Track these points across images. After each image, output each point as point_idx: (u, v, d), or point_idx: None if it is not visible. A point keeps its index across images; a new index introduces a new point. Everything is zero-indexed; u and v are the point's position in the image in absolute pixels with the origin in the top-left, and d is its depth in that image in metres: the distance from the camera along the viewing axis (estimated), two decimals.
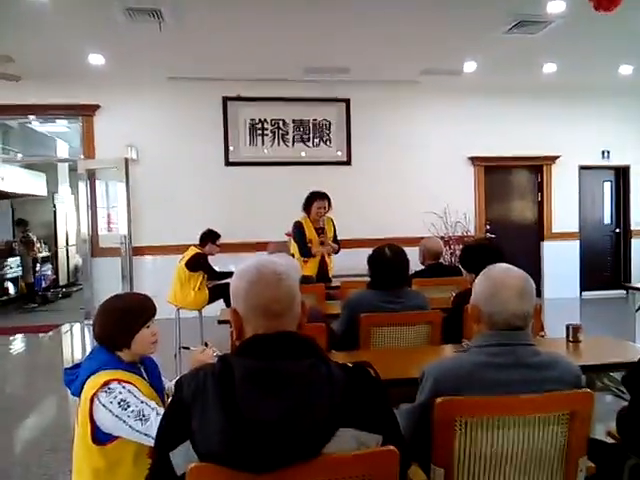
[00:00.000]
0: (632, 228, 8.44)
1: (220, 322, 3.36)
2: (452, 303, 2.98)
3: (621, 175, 8.50)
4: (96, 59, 6.14)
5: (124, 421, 1.64)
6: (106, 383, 1.68)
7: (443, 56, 6.39)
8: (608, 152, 8.28)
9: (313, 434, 1.09)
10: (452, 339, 2.69)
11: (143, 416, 1.65)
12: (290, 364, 1.15)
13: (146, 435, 1.64)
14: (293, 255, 4.73)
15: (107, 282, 6.72)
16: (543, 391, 1.48)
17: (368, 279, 2.94)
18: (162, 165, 7.18)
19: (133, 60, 6.31)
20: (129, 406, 1.65)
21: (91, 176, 7.28)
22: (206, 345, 1.99)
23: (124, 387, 1.69)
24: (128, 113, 7.11)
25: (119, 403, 1.65)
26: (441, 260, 4.37)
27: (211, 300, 5.32)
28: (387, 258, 2.81)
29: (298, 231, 4.98)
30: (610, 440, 1.87)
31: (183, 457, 1.11)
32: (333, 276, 5.09)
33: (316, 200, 4.93)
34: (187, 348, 2.00)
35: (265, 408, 1.09)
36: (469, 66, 6.69)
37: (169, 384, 2.04)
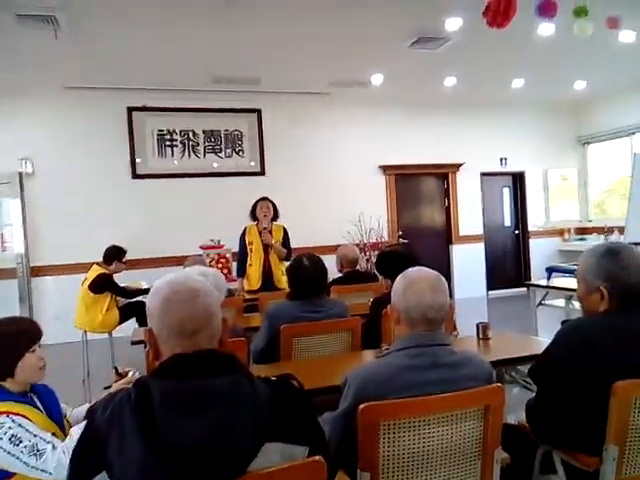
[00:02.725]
0: (529, 229, 9.10)
1: (134, 343, 3.20)
2: (370, 308, 3.04)
3: (518, 180, 9.16)
4: None
5: (17, 457, 1.54)
6: None
7: (351, 68, 6.56)
8: (506, 159, 8.90)
9: (238, 452, 1.07)
10: (371, 344, 2.74)
11: (37, 451, 1.56)
12: (211, 382, 1.11)
13: (42, 471, 1.55)
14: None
15: (2, 306, 6.16)
16: (461, 389, 1.54)
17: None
18: (62, 179, 6.74)
19: (25, 68, 5.88)
20: (21, 441, 1.56)
21: None
22: (116, 370, 1.88)
23: (14, 421, 1.58)
24: (20, 125, 6.60)
25: (10, 439, 1.55)
26: (357, 267, 4.46)
27: (122, 320, 5.03)
28: (305, 268, 2.81)
29: (240, 238, 5.06)
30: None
31: None
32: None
33: (258, 203, 5.03)
34: (117, 369, 1.88)
35: (185, 431, 1.05)
36: (376, 78, 6.92)
37: (70, 410, 1.94)
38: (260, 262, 4.91)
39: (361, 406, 1.46)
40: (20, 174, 6.55)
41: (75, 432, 1.60)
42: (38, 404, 1.76)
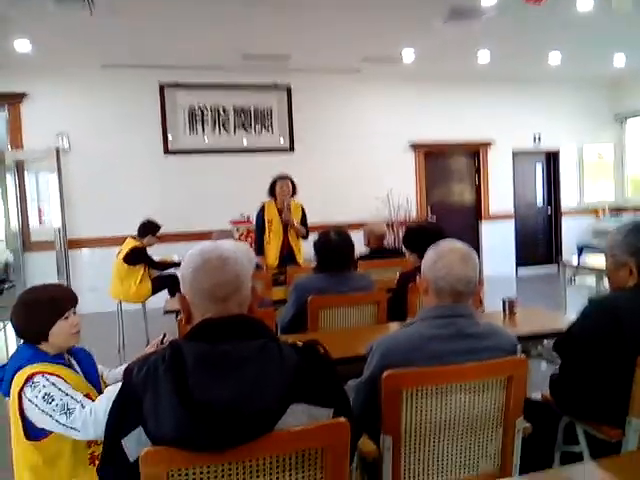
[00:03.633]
0: (562, 209, 8.91)
1: (166, 312, 3.32)
2: (397, 282, 3.07)
3: (551, 159, 8.94)
4: (22, 45, 5.77)
5: (50, 415, 1.64)
6: (30, 377, 1.67)
7: (382, 44, 6.45)
8: (539, 137, 8.69)
9: (265, 412, 1.11)
10: (397, 317, 2.77)
11: (68, 409, 1.64)
12: (241, 345, 1.16)
13: (72, 428, 1.64)
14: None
15: (41, 278, 6.35)
16: (483, 359, 1.56)
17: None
18: (97, 154, 6.90)
19: (62, 46, 5.99)
20: (53, 399, 1.64)
21: (20, 167, 6.91)
22: (164, 337, 1.96)
23: (47, 379, 1.67)
24: (59, 101, 6.77)
25: (43, 397, 1.64)
26: (385, 244, 4.47)
27: (155, 291, 5.19)
28: (333, 242, 2.85)
29: (257, 215, 5.05)
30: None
31: (135, 443, 1.10)
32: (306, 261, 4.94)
33: (278, 181, 4.99)
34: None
35: (217, 390, 1.10)
36: (408, 54, 6.79)
37: (107, 371, 2.02)
38: (279, 240, 4.90)
39: (385, 373, 1.50)
40: (57, 149, 6.71)
41: (109, 391, 1.69)
42: (75, 366, 1.84)
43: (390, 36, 6.16)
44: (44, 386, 1.65)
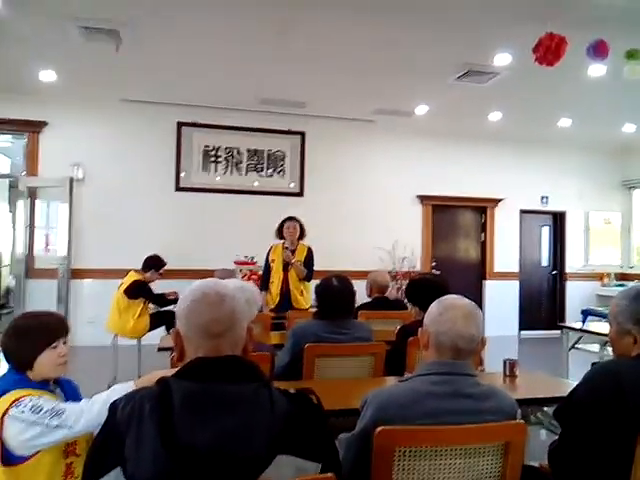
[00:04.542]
0: (567, 271, 8.87)
1: (160, 349, 3.26)
2: (396, 335, 3.01)
3: (558, 220, 8.97)
4: (47, 75, 5.98)
5: (40, 423, 1.59)
6: (15, 400, 1.63)
7: (396, 97, 6.63)
8: (547, 198, 8.75)
9: (250, 459, 1.07)
10: (395, 372, 2.71)
11: (57, 411, 1.61)
12: (232, 388, 1.13)
13: (64, 427, 1.60)
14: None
15: (41, 305, 6.36)
16: (482, 421, 1.51)
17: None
18: (109, 186, 7.00)
19: (86, 79, 6.19)
20: (42, 409, 1.61)
21: (32, 194, 7.00)
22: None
23: (32, 398, 1.64)
24: (77, 132, 6.93)
25: (31, 409, 1.60)
26: (387, 294, 4.44)
27: (152, 327, 5.14)
28: (334, 288, 2.83)
29: (266, 256, 5.15)
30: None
31: None
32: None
33: (286, 222, 5.10)
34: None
35: (202, 433, 1.07)
36: (420, 109, 6.96)
37: None
38: (279, 280, 4.95)
39: (377, 429, 1.45)
40: (71, 179, 6.82)
41: (115, 390, 1.65)
42: (60, 395, 1.81)
43: (404, 90, 6.33)
44: (30, 400, 1.62)
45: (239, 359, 1.22)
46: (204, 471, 1.04)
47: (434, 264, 8.19)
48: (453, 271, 8.14)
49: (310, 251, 5.08)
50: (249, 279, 6.40)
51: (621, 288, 8.35)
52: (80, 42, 4.91)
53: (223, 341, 1.22)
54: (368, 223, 7.76)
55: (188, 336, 1.24)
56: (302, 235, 5.09)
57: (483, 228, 8.63)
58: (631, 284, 8.05)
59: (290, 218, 5.12)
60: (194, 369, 1.17)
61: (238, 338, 1.26)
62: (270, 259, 5.06)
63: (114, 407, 1.16)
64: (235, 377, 1.16)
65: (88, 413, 1.62)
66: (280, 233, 5.10)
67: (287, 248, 4.98)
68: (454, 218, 8.58)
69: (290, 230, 5.02)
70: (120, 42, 4.91)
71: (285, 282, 4.94)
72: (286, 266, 4.94)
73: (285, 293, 4.91)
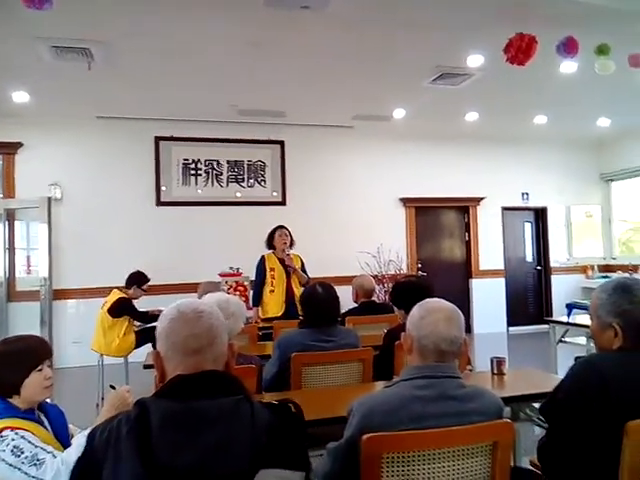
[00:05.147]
0: (551, 265, 8.95)
1: (146, 367, 3.22)
2: (383, 340, 3.01)
3: (540, 215, 9.07)
4: (20, 96, 5.91)
5: (19, 468, 1.56)
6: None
7: (373, 103, 6.65)
8: (527, 194, 8.84)
9: (233, 477, 1.06)
10: (384, 376, 2.70)
11: (38, 460, 1.57)
12: (212, 404, 1.12)
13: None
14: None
15: (24, 328, 6.22)
16: (468, 423, 1.51)
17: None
18: (88, 205, 6.92)
19: (60, 98, 6.12)
20: (23, 452, 1.57)
21: (10, 216, 6.90)
22: (112, 388, 1.91)
23: (17, 434, 1.61)
24: (53, 151, 6.85)
25: (12, 450, 1.57)
26: (374, 298, 4.43)
27: (138, 345, 5.06)
28: (318, 295, 2.82)
29: (257, 267, 5.06)
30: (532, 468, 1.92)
31: None
32: None
33: (277, 230, 5.10)
34: (113, 387, 1.91)
35: (181, 453, 1.05)
36: (398, 113, 7.00)
37: (78, 432, 1.94)
38: (283, 287, 4.93)
39: (364, 437, 1.44)
40: (49, 199, 6.73)
41: (78, 439, 1.62)
42: (45, 423, 1.78)
43: (381, 95, 6.36)
44: (12, 439, 1.59)
45: (218, 373, 1.21)
46: None
47: (420, 266, 8.22)
48: (439, 271, 8.18)
49: (302, 259, 5.16)
50: (235, 290, 6.36)
51: (605, 280, 8.46)
52: (52, 62, 4.86)
53: (202, 358, 1.21)
54: (352, 228, 7.77)
55: (167, 355, 1.23)
56: (292, 244, 5.10)
57: (467, 227, 8.68)
58: (614, 275, 8.15)
59: (280, 227, 5.13)
60: (173, 387, 1.16)
61: (219, 354, 1.25)
62: (267, 268, 5.01)
63: (92, 434, 1.15)
64: (215, 392, 1.14)
65: (67, 468, 1.56)
66: (270, 243, 5.08)
67: (288, 255, 4.96)
68: (437, 219, 8.62)
69: (282, 237, 5.02)
70: (92, 60, 4.87)
71: (290, 288, 4.95)
72: (289, 273, 4.96)
73: (291, 299, 4.89)
